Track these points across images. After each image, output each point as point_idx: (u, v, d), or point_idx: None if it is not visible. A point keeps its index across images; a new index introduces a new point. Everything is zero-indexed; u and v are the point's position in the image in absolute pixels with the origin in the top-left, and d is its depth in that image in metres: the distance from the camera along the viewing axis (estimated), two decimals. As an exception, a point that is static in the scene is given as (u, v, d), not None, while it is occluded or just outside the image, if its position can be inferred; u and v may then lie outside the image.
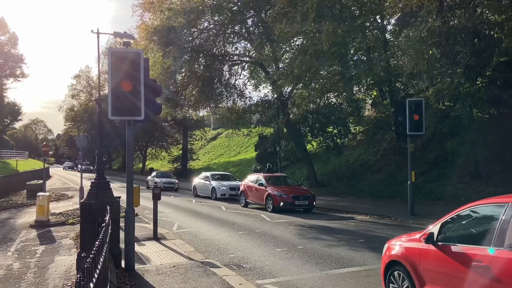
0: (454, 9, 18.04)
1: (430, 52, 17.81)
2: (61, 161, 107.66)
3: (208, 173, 29.16)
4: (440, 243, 5.59)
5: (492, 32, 17.89)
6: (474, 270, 4.91)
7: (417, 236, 6.13)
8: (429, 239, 5.74)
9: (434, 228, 5.84)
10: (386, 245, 6.79)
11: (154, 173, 38.44)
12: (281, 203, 18.91)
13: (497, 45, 17.37)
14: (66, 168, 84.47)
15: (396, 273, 6.33)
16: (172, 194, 30.04)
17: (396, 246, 6.48)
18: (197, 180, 29.07)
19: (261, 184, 20.44)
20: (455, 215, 5.75)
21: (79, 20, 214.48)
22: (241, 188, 22.42)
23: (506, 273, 4.55)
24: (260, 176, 21.32)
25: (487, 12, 18.17)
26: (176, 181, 35.92)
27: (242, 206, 21.46)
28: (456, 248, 5.32)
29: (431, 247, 5.69)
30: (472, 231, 5.54)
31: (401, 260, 6.18)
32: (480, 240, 5.15)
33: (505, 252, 4.59)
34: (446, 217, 5.80)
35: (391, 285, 6.45)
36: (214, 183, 26.55)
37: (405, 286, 6.12)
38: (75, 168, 75.57)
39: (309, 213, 18.86)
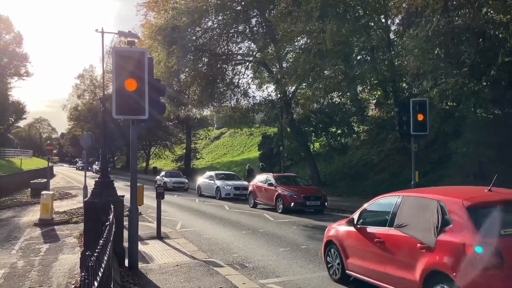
0: (459, 9, 17.98)
1: (435, 52, 17.76)
2: (71, 160, 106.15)
3: (212, 173, 28.82)
4: (358, 226, 7.39)
5: (497, 32, 17.82)
6: (377, 245, 6.74)
7: (344, 221, 8.00)
8: (350, 223, 7.57)
9: (355, 215, 7.62)
10: (327, 228, 8.57)
11: (163, 173, 37.44)
12: (292, 204, 18.39)
13: (502, 45, 17.30)
14: (80, 168, 71.17)
15: (332, 250, 8.11)
16: (176, 193, 30.05)
17: (332, 229, 8.30)
18: (201, 180, 28.73)
19: (270, 184, 19.91)
20: (369, 205, 7.61)
21: (83, 19, 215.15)
22: (250, 188, 21.90)
23: (394, 245, 6.45)
24: (269, 176, 20.81)
25: (491, 12, 18.11)
26: (186, 180, 34.87)
27: (251, 207, 21.02)
28: (368, 229, 7.15)
29: (352, 229, 7.51)
30: (378, 216, 7.28)
31: (333, 239, 8.04)
32: (382, 223, 6.93)
33: (393, 230, 6.50)
34: (364, 207, 7.65)
35: (328, 258, 8.25)
36: (218, 183, 26.27)
37: (337, 261, 7.88)
38: (89, 168, 69.53)
39: (319, 214, 18.34)
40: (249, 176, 33.69)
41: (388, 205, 6.99)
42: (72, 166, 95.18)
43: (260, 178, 21.60)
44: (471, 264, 5.13)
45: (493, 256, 5.06)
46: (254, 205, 21.10)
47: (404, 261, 6.16)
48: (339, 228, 8.04)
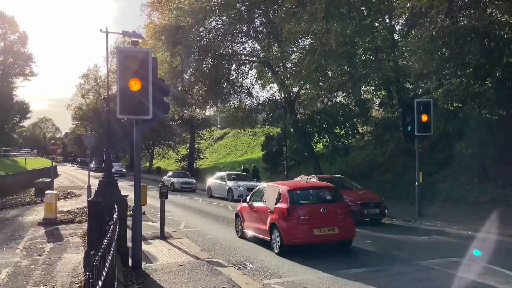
0: (463, 9, 17.92)
1: (439, 52, 17.70)
2: (74, 160, 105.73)
3: (223, 173, 27.17)
4: (249, 203, 12.27)
5: (502, 33, 17.75)
6: (255, 212, 11.78)
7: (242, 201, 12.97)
8: (245, 201, 12.66)
9: (248, 197, 12.72)
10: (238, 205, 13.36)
11: (170, 173, 36.24)
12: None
13: (507, 45, 17.23)
14: (94, 169, 58.31)
15: (237, 218, 13.10)
16: (179, 193, 30.02)
17: (238, 206, 13.20)
18: (211, 181, 27.58)
19: None
20: (253, 191, 12.97)
21: (86, 19, 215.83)
22: None
23: (261, 211, 11.35)
24: (315, 179, 16.93)
25: (496, 12, 18.04)
26: (194, 181, 33.47)
27: None
28: (253, 204, 12.02)
29: (246, 205, 12.45)
30: (257, 197, 12.15)
31: (238, 212, 13.05)
32: (258, 200, 11.89)
33: (262, 203, 11.49)
34: (251, 192, 13.10)
35: (236, 224, 13.31)
36: (230, 184, 24.89)
37: (240, 225, 12.85)
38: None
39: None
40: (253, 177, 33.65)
41: (261, 191, 12.24)
42: (76, 165, 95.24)
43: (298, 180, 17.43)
44: (284, 217, 10.29)
45: (294, 213, 10.30)
46: None
47: (264, 219, 11.12)
48: (241, 205, 12.94)
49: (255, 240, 11.95)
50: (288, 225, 10.14)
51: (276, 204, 10.69)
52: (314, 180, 16.64)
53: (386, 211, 15.26)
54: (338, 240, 10.68)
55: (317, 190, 11.62)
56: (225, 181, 25.68)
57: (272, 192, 11.32)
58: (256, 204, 11.79)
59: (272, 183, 12.40)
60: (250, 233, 12.08)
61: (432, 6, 15.89)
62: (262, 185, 13.18)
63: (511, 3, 16.62)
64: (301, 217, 10.18)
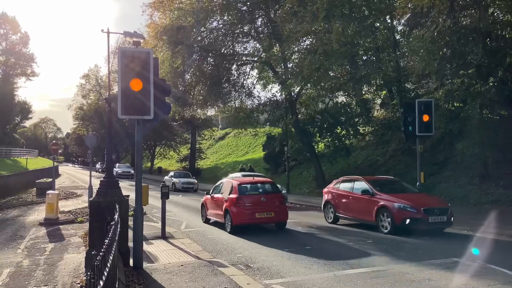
0: (465, 9, 17.90)
1: (441, 52, 17.68)
2: (75, 160, 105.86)
3: (239, 174, 22.42)
4: (211, 195, 15.57)
5: (504, 32, 17.72)
6: (215, 201, 15.04)
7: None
8: (208, 193, 16.03)
9: (211, 190, 15.92)
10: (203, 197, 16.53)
11: (171, 173, 36.34)
12: (407, 220, 12.51)
13: (509, 45, 17.21)
14: (100, 171, 59.84)
15: (203, 207, 16.43)
16: (181, 193, 30.05)
17: (203, 198, 16.40)
18: (167, 178, 27.84)
19: (365, 192, 14.04)
20: (215, 185, 16.24)
21: (88, 19, 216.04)
22: (326, 197, 16.13)
23: (219, 201, 14.67)
24: (363, 182, 14.61)
25: (498, 12, 18.02)
26: (196, 181, 33.78)
27: (330, 222, 15.56)
28: (214, 196, 15.20)
29: (209, 196, 15.72)
30: (217, 189, 15.41)
31: (203, 202, 16.36)
32: (217, 192, 15.22)
33: (220, 195, 14.76)
34: (214, 186, 16.21)
35: (201, 212, 16.68)
36: (174, 179, 25.40)
37: (204, 212, 16.13)
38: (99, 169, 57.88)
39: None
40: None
41: (220, 185, 15.49)
42: (78, 165, 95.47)
43: (346, 185, 15.45)
44: (234, 204, 13.46)
45: (241, 201, 13.43)
46: (335, 220, 15.44)
47: (220, 206, 14.29)
48: (205, 197, 16.15)
49: (256, 239, 11.97)
50: (237, 210, 13.46)
51: (229, 195, 13.97)
52: (363, 184, 14.73)
53: (452, 218, 12.94)
54: (274, 222, 14.14)
55: (260, 184, 14.85)
56: (172, 178, 33.44)
57: (227, 186, 14.59)
58: (216, 196, 15.16)
59: (228, 179, 16.27)
60: (212, 218, 15.57)
61: (433, 6, 15.88)
62: (221, 180, 16.31)
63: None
64: (246, 204, 13.51)
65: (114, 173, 46.70)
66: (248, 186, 14.36)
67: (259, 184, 14.86)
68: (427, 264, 8.93)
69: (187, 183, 32.50)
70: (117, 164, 50.74)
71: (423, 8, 16.23)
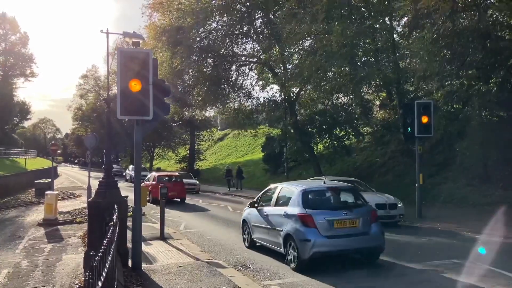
0: (465, 10, 17.92)
1: (442, 54, 17.70)
2: (74, 161, 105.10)
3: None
4: (144, 183, 24.58)
5: (503, 34, 17.74)
6: (153, 188, 23.25)
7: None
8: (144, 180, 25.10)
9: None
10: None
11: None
12: None
13: (508, 47, 17.22)
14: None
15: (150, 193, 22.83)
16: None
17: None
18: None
19: None
20: (148, 177, 27.17)
21: (88, 19, 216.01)
22: None
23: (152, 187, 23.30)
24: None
25: (497, 14, 18.03)
26: (197, 182, 32.96)
27: None
28: (147, 183, 24.94)
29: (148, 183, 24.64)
30: (148, 180, 26.01)
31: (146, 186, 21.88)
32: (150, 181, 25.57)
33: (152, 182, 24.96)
34: (146, 177, 27.39)
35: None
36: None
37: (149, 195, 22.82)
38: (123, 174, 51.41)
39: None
40: (232, 176, 34.04)
41: (150, 177, 26.45)
42: (77, 166, 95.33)
43: None
44: (155, 188, 22.23)
45: (159, 186, 18.04)
46: None
47: (151, 191, 22.61)
48: (145, 183, 23.50)
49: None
50: (156, 191, 19.85)
51: (153, 182, 23.83)
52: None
53: None
54: (178, 198, 23.64)
55: (172, 177, 25.27)
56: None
57: (152, 178, 24.91)
58: (148, 183, 24.08)
59: (155, 173, 26.56)
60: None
61: (438, 7, 15.87)
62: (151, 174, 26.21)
63: (511, 5, 16.63)
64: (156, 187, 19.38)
65: (128, 177, 43.64)
66: (165, 177, 25.78)
67: (172, 177, 26.09)
68: (427, 266, 8.92)
69: (189, 184, 31.49)
70: (130, 166, 47.26)
71: (427, 10, 16.18)
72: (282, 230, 9.36)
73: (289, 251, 9.07)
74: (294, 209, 9.15)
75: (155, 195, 20.74)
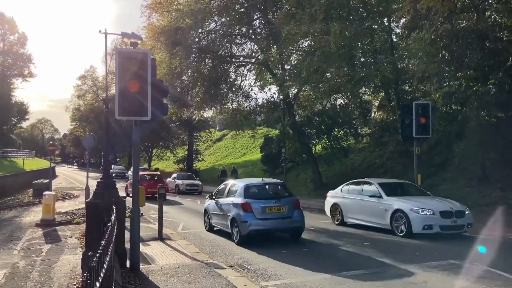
0: (464, 12, 17.95)
1: (440, 55, 17.72)
2: (72, 161, 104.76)
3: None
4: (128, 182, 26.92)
5: (502, 34, 17.78)
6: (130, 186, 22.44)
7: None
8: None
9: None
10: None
11: (174, 175, 34.78)
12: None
13: (505, 47, 17.25)
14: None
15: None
16: (184, 196, 29.83)
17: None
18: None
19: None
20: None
21: (87, 19, 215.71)
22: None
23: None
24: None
25: (495, 15, 18.07)
26: (200, 183, 32.78)
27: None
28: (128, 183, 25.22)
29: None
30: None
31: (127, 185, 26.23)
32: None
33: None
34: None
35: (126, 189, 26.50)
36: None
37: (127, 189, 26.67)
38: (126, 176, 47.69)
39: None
40: (227, 177, 34.27)
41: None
42: (72, 166, 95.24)
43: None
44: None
45: (142, 183, 19.98)
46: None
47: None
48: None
49: (253, 241, 11.97)
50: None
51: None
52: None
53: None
54: (155, 193, 20.21)
55: (154, 176, 28.30)
56: (175, 180, 32.70)
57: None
58: (131, 181, 21.13)
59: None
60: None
61: (437, 9, 15.88)
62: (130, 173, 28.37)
63: (509, 6, 16.67)
64: (144, 184, 17.82)
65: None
66: (145, 175, 28.18)
67: (150, 176, 29.28)
68: (424, 266, 8.92)
69: (191, 185, 31.57)
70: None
71: (427, 9, 16.17)
72: (229, 215, 12.31)
73: (234, 230, 12.09)
74: (238, 199, 12.19)
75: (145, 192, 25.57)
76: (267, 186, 13.22)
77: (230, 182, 14.24)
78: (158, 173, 30.87)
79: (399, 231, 12.56)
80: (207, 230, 14.26)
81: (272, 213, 11.86)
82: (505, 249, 10.71)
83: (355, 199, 14.63)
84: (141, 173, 29.43)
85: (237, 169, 36.14)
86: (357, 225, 14.35)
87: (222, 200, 13.24)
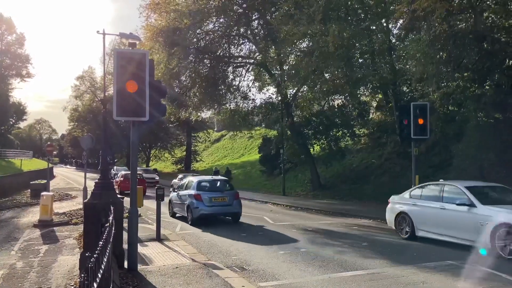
0: (461, 13, 17.99)
1: (438, 56, 17.76)
2: (70, 161, 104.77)
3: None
4: (115, 180, 30.92)
5: (499, 35, 17.83)
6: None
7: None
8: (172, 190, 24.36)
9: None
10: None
11: (181, 175, 32.25)
12: None
13: (503, 49, 17.30)
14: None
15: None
16: None
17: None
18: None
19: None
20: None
21: (85, 20, 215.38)
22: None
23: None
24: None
25: (493, 16, 18.12)
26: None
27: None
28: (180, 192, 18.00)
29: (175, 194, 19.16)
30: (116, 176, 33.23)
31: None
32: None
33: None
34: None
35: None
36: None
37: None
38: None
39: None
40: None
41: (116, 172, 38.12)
42: (69, 166, 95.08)
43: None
44: (120, 183, 29.19)
45: (125, 181, 28.38)
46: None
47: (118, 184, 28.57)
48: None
49: (252, 242, 11.97)
50: (124, 184, 24.74)
51: (121, 178, 29.96)
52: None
53: None
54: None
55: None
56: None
57: (120, 175, 29.53)
58: (117, 179, 29.82)
59: (123, 171, 31.35)
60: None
61: (433, 10, 15.91)
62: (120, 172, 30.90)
63: (506, 7, 16.72)
64: (126, 183, 20.19)
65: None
66: (128, 174, 25.74)
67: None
68: (422, 267, 8.94)
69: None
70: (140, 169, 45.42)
71: (425, 10, 16.19)
72: (186, 203, 16.18)
73: (188, 214, 16.01)
74: (192, 191, 16.16)
75: (123, 189, 27.81)
76: (214, 182, 17.01)
77: (189, 178, 18.47)
78: (140, 172, 32.89)
79: (508, 252, 9.49)
80: (170, 216, 17.90)
81: (217, 201, 15.68)
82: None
83: (433, 207, 11.68)
84: (124, 172, 32.69)
85: (230, 170, 38.74)
86: (432, 240, 11.62)
87: (181, 192, 17.14)
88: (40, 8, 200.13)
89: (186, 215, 16.33)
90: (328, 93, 25.26)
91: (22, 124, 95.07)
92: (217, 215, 16.12)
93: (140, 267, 9.00)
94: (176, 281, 8.09)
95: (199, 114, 38.00)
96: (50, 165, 29.48)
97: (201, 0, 27.86)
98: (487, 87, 18.12)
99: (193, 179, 17.39)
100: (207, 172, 50.32)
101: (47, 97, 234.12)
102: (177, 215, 17.69)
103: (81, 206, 19.89)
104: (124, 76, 8.36)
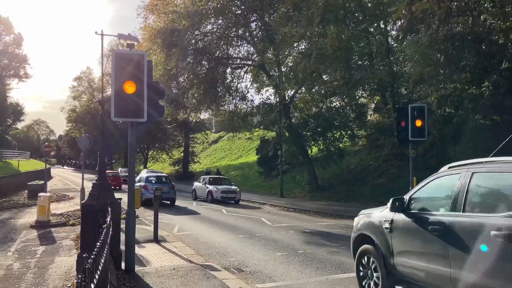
0: (460, 15, 18.04)
1: (436, 58, 17.80)
2: (67, 162, 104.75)
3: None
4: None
5: (496, 37, 17.89)
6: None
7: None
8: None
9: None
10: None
11: (202, 178, 28.88)
12: None
13: (501, 51, 17.35)
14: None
15: None
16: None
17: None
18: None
19: None
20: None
21: (83, 20, 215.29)
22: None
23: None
24: None
25: (490, 18, 18.17)
26: (238, 189, 26.58)
27: None
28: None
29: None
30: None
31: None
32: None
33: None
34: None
35: None
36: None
37: None
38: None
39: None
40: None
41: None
42: (66, 167, 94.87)
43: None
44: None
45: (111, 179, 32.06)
46: None
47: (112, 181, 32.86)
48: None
49: (249, 243, 11.96)
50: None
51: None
52: None
53: None
54: (114, 187, 24.86)
55: (115, 174, 38.63)
56: (207, 185, 26.88)
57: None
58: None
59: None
60: None
61: (433, 12, 15.95)
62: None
63: (504, 10, 16.76)
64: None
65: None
66: (111, 174, 32.72)
67: (113, 174, 34.04)
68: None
69: (228, 192, 25.74)
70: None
71: (423, 12, 16.23)
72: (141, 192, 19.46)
73: (142, 199, 17.53)
74: (142, 183, 23.06)
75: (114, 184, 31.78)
76: (158, 176, 25.35)
77: (143, 172, 26.84)
78: (117, 172, 40.18)
79: None
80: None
81: (159, 190, 18.50)
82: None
83: None
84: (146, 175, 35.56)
85: (220, 171, 40.19)
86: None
87: (137, 184, 20.07)
88: (38, 8, 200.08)
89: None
90: (326, 94, 25.30)
91: (20, 125, 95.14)
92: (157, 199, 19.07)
93: (137, 268, 8.98)
94: (173, 282, 8.08)
95: (197, 115, 38.00)
96: (48, 166, 29.42)
97: (199, 1, 27.87)
98: (484, 89, 18.15)
99: (144, 174, 25.61)
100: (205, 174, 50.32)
101: (45, 97, 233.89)
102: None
103: (78, 207, 19.86)
104: (122, 77, 8.36)
